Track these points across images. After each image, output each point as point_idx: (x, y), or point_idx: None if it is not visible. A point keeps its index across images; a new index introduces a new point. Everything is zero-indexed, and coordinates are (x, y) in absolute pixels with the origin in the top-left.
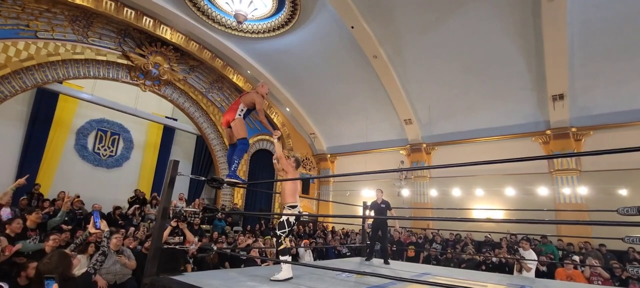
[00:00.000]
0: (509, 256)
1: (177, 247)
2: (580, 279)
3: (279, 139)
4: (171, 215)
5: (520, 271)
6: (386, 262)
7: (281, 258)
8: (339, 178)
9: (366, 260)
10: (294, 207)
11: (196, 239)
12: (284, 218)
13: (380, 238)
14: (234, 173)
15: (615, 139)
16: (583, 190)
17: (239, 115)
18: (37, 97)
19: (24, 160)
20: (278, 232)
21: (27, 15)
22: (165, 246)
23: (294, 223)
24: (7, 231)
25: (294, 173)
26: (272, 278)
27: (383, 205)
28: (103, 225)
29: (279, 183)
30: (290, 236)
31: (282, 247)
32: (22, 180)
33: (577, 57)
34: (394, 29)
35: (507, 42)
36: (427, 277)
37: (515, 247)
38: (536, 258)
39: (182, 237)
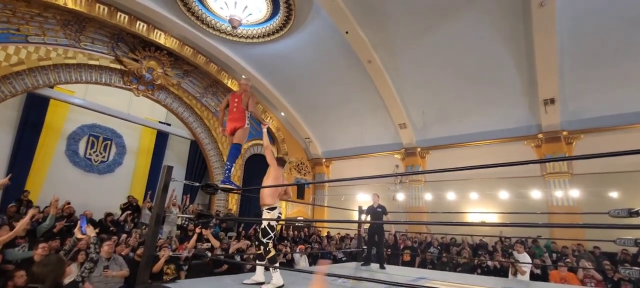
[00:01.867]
0: (503, 259)
1: (208, 253)
2: (574, 281)
3: (268, 129)
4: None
5: (515, 274)
6: (382, 267)
7: (271, 266)
8: (334, 183)
9: (363, 265)
10: (273, 209)
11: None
12: (265, 223)
13: (376, 243)
14: (228, 178)
15: (605, 142)
16: (575, 193)
17: (248, 124)
18: (27, 102)
19: (13, 166)
20: (264, 240)
21: (17, 19)
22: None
23: (275, 227)
24: None
25: (277, 169)
26: (264, 287)
27: (379, 210)
28: (89, 230)
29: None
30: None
31: (272, 254)
32: (5, 180)
33: (566, 62)
34: (388, 35)
35: (499, 47)
36: (423, 282)
37: (510, 250)
38: (530, 261)
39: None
